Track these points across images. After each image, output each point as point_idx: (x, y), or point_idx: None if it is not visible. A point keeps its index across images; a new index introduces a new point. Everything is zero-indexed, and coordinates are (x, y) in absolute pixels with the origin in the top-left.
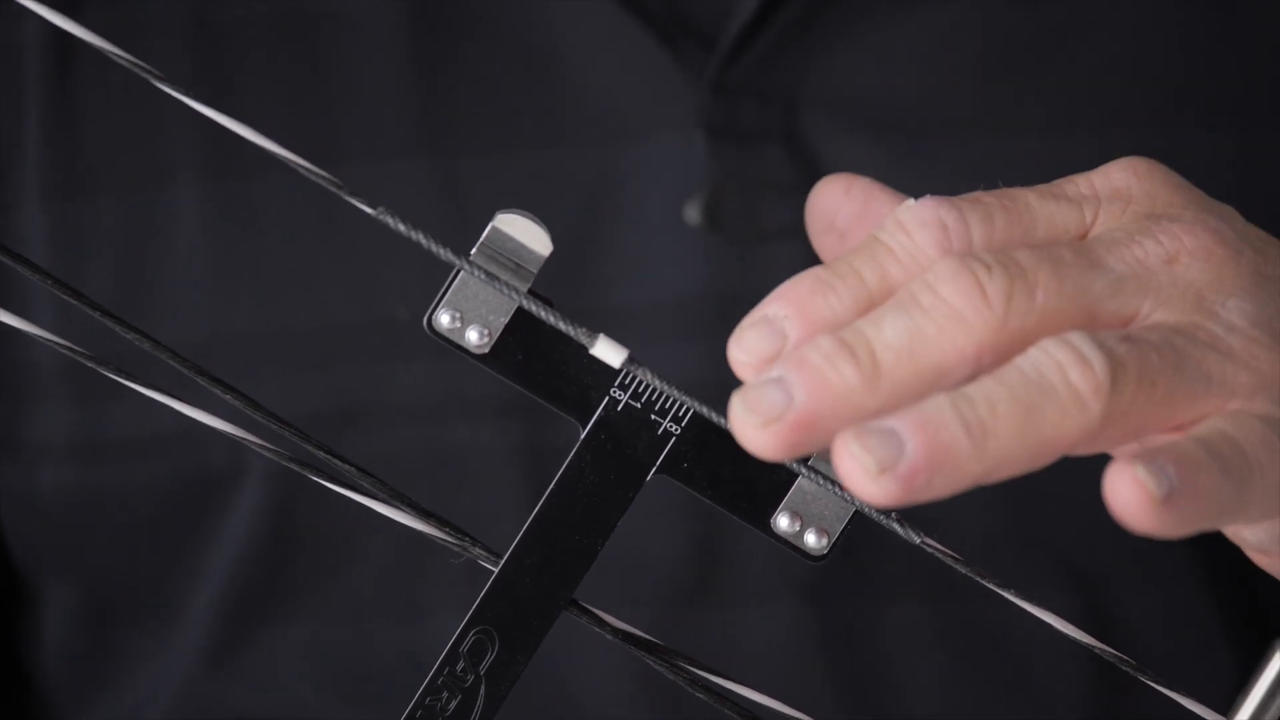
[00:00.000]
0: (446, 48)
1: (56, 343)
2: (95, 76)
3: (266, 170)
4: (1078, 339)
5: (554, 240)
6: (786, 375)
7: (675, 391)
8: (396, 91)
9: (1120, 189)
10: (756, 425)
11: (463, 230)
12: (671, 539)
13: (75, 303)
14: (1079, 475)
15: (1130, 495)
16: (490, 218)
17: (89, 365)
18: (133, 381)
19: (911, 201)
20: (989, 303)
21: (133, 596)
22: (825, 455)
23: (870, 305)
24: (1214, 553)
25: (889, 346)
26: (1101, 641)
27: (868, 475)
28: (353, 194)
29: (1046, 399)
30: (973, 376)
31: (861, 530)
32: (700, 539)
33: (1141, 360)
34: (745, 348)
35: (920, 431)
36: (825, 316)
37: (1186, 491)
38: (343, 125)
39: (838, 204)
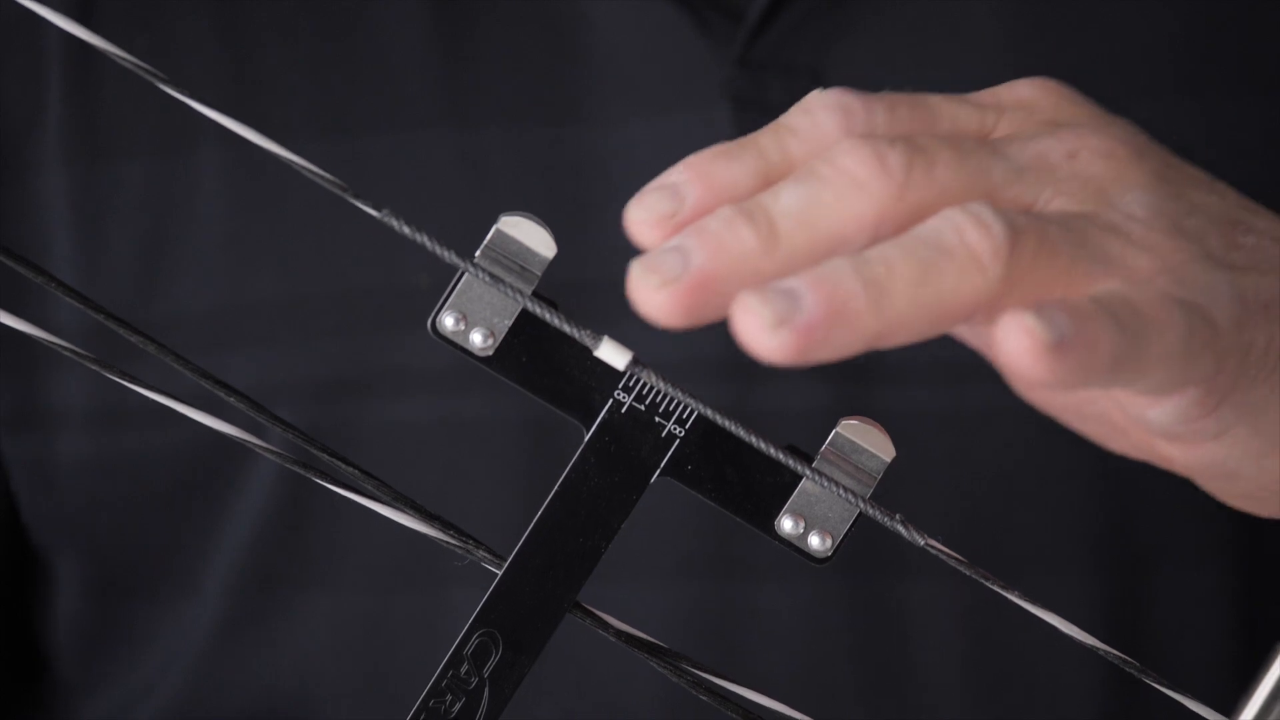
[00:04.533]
0: (471, 19)
1: (65, 347)
2: (117, 40)
3: (288, 139)
4: (978, 206)
5: (577, 214)
6: (685, 241)
7: (679, 393)
8: (420, 62)
9: (1024, 99)
10: (654, 285)
11: (482, 203)
12: (693, 515)
13: (81, 306)
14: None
15: (1018, 344)
16: (510, 190)
17: (95, 369)
18: (136, 384)
19: (818, 90)
20: (888, 172)
21: (149, 567)
22: (828, 457)
23: (770, 180)
24: (1251, 540)
25: (787, 214)
26: (1130, 622)
27: (765, 328)
28: (357, 196)
29: (944, 259)
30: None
31: (887, 506)
32: (719, 513)
33: (1041, 231)
34: (644, 205)
35: (817, 288)
36: (724, 182)
37: (1078, 341)
38: (365, 95)
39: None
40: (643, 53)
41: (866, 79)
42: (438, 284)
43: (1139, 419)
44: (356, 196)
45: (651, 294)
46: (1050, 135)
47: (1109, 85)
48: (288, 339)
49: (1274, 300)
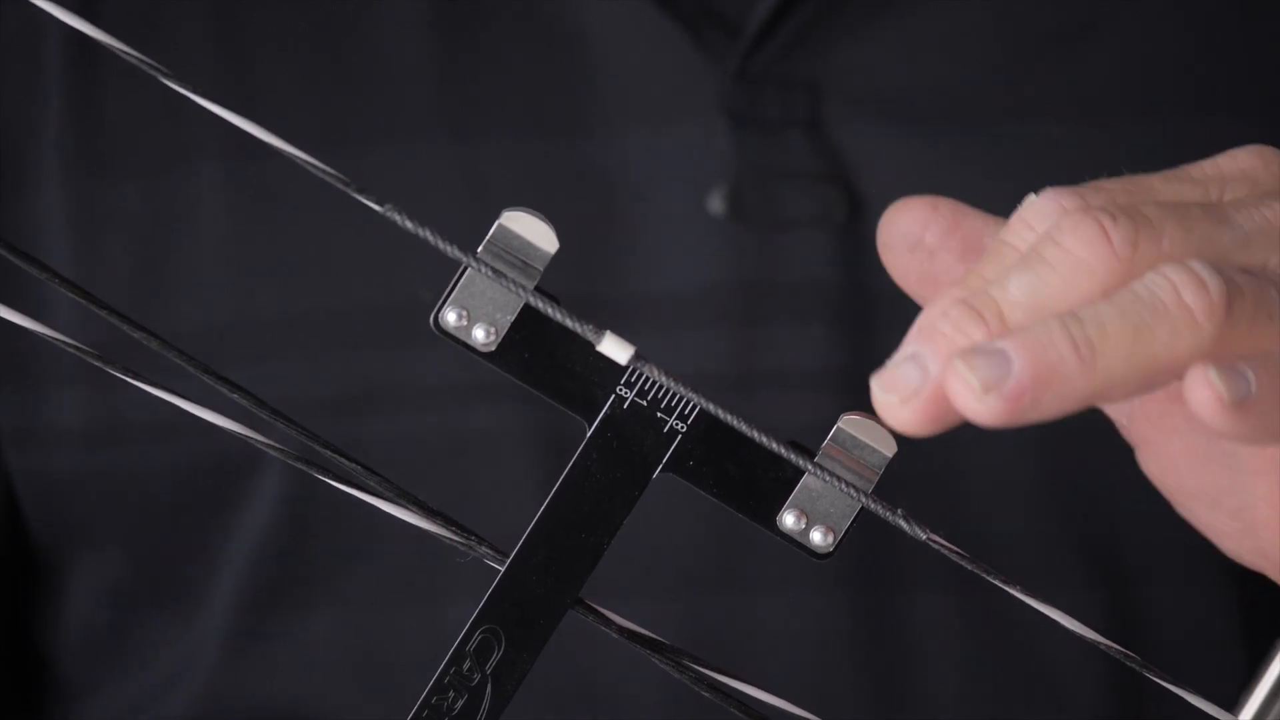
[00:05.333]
0: (470, 32)
1: (67, 343)
2: (115, 58)
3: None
4: (1195, 263)
5: (575, 228)
6: (920, 350)
7: (682, 389)
8: (418, 75)
9: (1246, 170)
10: (897, 404)
11: (480, 215)
12: (693, 527)
13: (84, 301)
14: (1112, 469)
15: (1202, 396)
16: (508, 202)
17: (98, 365)
18: (140, 380)
19: (1033, 196)
20: (1114, 250)
21: (152, 581)
22: (830, 452)
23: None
24: None
25: (1015, 304)
26: (1129, 638)
27: (973, 394)
28: (361, 190)
29: (1157, 318)
30: None
31: (882, 519)
32: (721, 527)
33: (1260, 290)
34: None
35: (1027, 350)
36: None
37: (1266, 398)
38: (363, 107)
39: (925, 220)
40: (640, 67)
41: (863, 93)
42: (438, 299)
43: None
44: (361, 191)
45: (896, 411)
46: (1277, 199)
47: (1107, 99)
48: (288, 355)
49: None
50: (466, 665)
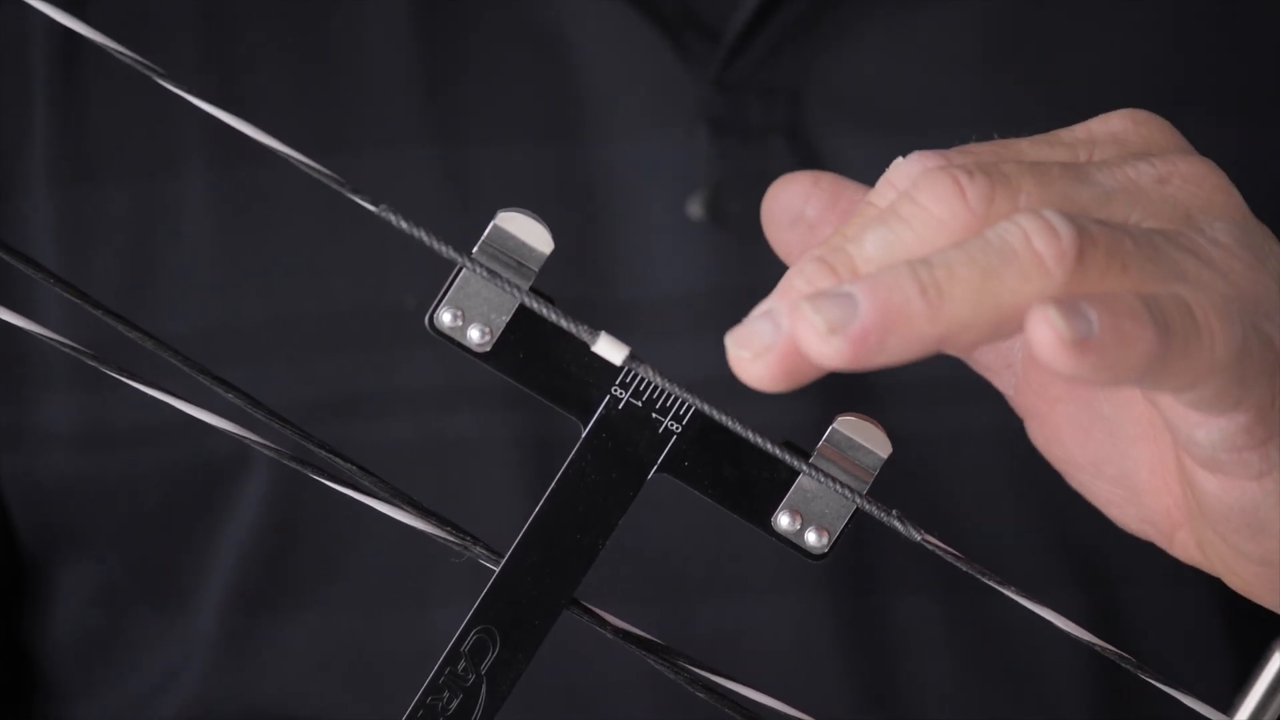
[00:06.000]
0: (453, 39)
1: (60, 341)
2: (102, 63)
3: (274, 158)
4: (1049, 211)
5: (559, 234)
6: (774, 305)
7: (676, 389)
8: (404, 83)
9: (1116, 133)
10: (750, 359)
11: (466, 220)
12: (680, 532)
13: (76, 300)
14: None
15: (1042, 336)
16: (494, 208)
17: (92, 364)
18: (134, 379)
19: (900, 159)
20: (968, 205)
21: (141, 585)
22: (825, 453)
23: None
24: None
25: (869, 259)
26: (1111, 640)
27: (819, 336)
28: (355, 190)
29: (1006, 263)
30: None
31: (874, 523)
32: (709, 532)
33: (1114, 241)
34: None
35: (873, 293)
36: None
37: (1108, 339)
38: (349, 113)
39: (805, 195)
40: (623, 74)
41: (843, 99)
42: (425, 305)
43: (1185, 440)
44: (355, 191)
45: (749, 366)
46: (1141, 160)
47: (1086, 103)
48: (275, 360)
49: None
50: (461, 665)
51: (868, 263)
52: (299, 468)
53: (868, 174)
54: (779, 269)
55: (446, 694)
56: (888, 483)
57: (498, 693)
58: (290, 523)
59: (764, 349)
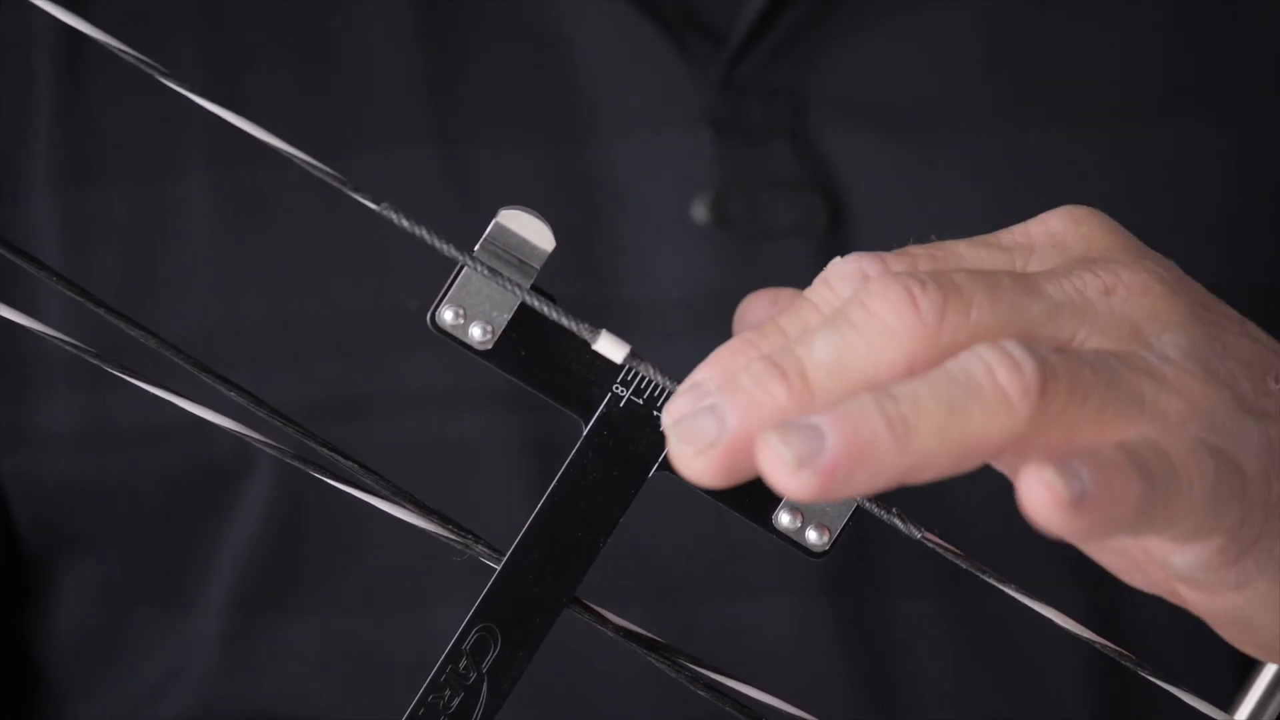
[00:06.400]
0: (455, 40)
1: (62, 339)
2: (105, 66)
3: (276, 159)
4: (1010, 344)
5: (560, 235)
6: (719, 401)
7: (677, 387)
8: (405, 84)
9: (1055, 234)
10: (692, 455)
11: (468, 221)
12: (680, 531)
13: (80, 299)
14: None
15: (1039, 497)
16: (495, 208)
17: (94, 362)
18: (137, 378)
19: (838, 259)
20: (920, 317)
21: (142, 585)
22: None
23: None
24: None
25: (819, 365)
26: (1111, 639)
27: (786, 469)
28: (357, 189)
29: (972, 398)
30: None
31: (874, 522)
32: (709, 532)
33: (1074, 372)
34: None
35: (841, 426)
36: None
37: (1100, 496)
38: (351, 114)
39: (764, 312)
40: (625, 75)
41: (846, 101)
42: (427, 306)
43: (1162, 563)
44: (356, 190)
45: (691, 462)
46: (1086, 270)
47: (1086, 105)
48: (277, 361)
49: None
50: (463, 663)
51: (817, 368)
52: (301, 465)
53: (871, 175)
54: (780, 270)
55: (448, 692)
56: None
57: (499, 691)
58: (292, 523)
59: (707, 446)
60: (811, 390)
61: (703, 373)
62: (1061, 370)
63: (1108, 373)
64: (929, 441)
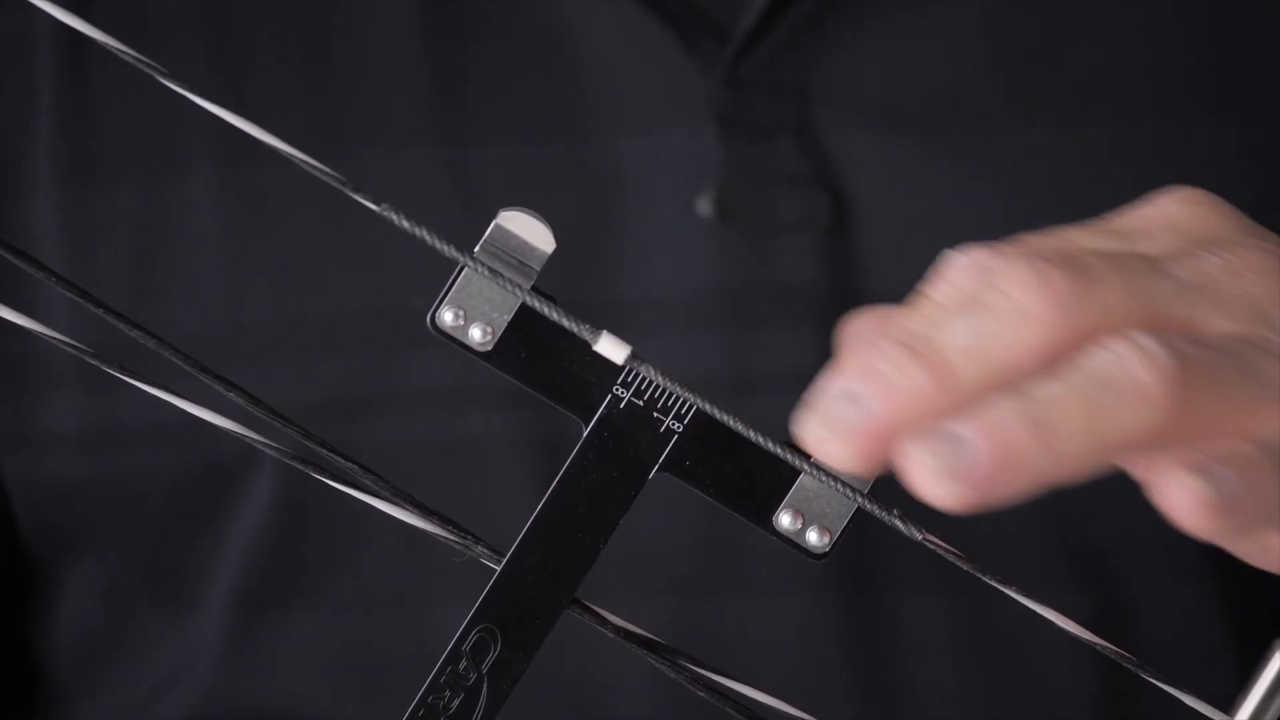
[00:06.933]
0: (459, 38)
1: (62, 341)
2: (106, 66)
3: (279, 159)
4: (1143, 336)
5: (564, 232)
6: (858, 389)
7: (678, 388)
8: (409, 82)
9: (1169, 217)
10: (835, 441)
11: (474, 222)
12: (682, 530)
13: (80, 300)
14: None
15: (1184, 504)
16: (499, 208)
17: (95, 364)
18: (137, 379)
19: (951, 252)
20: (1056, 298)
21: (147, 585)
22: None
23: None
24: (1231, 556)
25: (958, 348)
26: (1112, 640)
27: (936, 481)
28: (357, 190)
29: (1112, 395)
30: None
31: (876, 521)
32: (711, 530)
33: (1209, 360)
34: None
35: (986, 434)
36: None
37: (1246, 497)
38: (354, 114)
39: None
40: (630, 72)
41: (852, 98)
42: (430, 306)
43: (1272, 550)
44: (357, 190)
45: (834, 448)
46: (1208, 251)
47: (1093, 103)
48: (281, 361)
49: None
50: (463, 665)
51: (956, 351)
52: (301, 467)
53: (876, 172)
54: (785, 268)
55: (448, 693)
56: (889, 481)
57: (499, 692)
58: (294, 522)
59: (851, 433)
60: (953, 374)
61: (850, 381)
62: (1196, 360)
63: (1241, 359)
64: (1074, 443)
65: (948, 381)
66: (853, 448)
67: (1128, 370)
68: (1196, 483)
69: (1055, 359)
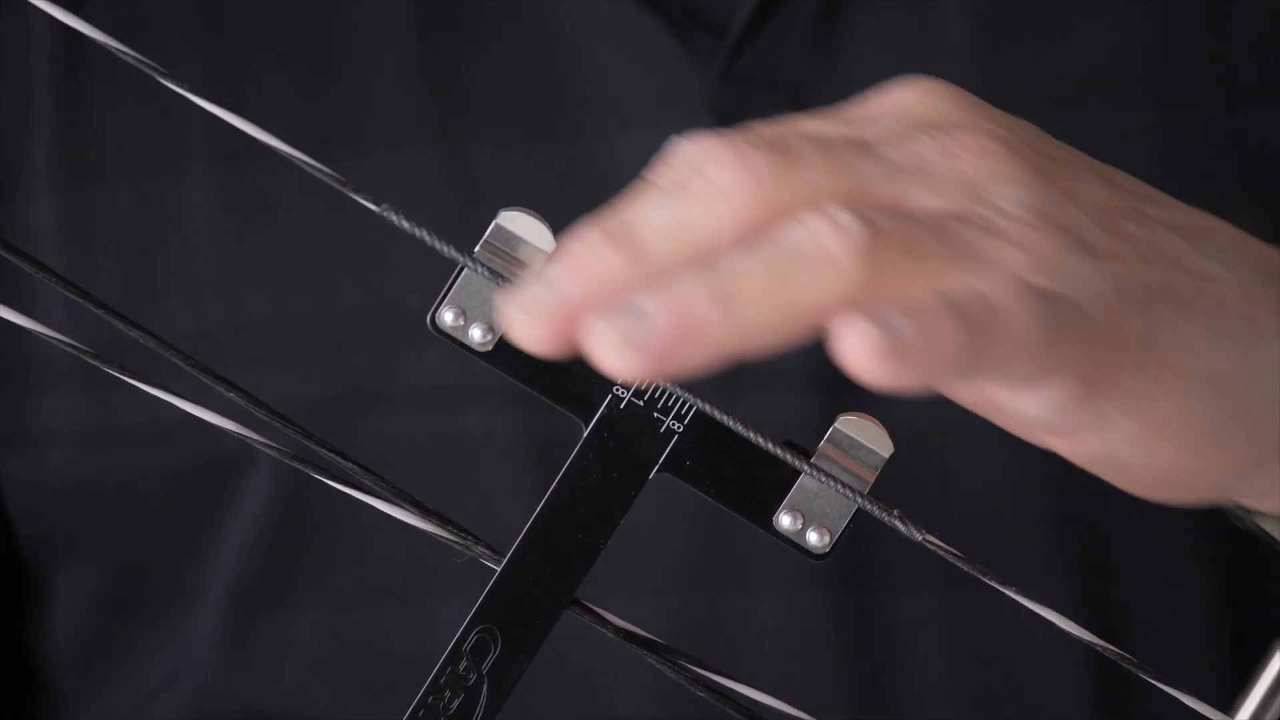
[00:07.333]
0: (456, 38)
1: (61, 340)
2: (104, 65)
3: (277, 159)
4: (834, 208)
5: (563, 230)
6: (552, 272)
7: (678, 388)
8: (406, 83)
9: (901, 106)
10: (526, 321)
11: (472, 222)
12: (680, 528)
13: (79, 299)
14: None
15: (855, 349)
16: (497, 208)
17: (94, 363)
18: (136, 379)
19: (676, 137)
20: (755, 177)
21: (143, 586)
22: (826, 452)
23: None
24: (1227, 550)
25: (652, 228)
26: (1111, 639)
27: (614, 350)
28: (357, 190)
29: (796, 264)
30: None
31: (874, 519)
32: (709, 527)
33: (904, 232)
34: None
35: (664, 303)
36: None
37: (918, 343)
38: (352, 117)
39: None
40: (626, 69)
41: (846, 92)
42: (427, 304)
43: (1016, 413)
44: (357, 191)
45: (525, 328)
46: (924, 134)
47: (1078, 92)
48: (278, 360)
49: (1155, 288)
50: (463, 665)
51: (651, 233)
52: (300, 467)
53: None
54: None
55: (448, 693)
56: (890, 480)
57: (499, 692)
58: (292, 522)
59: (539, 310)
60: (646, 254)
61: (548, 269)
62: (889, 229)
63: (941, 230)
64: (756, 311)
65: (640, 259)
66: (542, 328)
67: (816, 239)
68: (866, 327)
69: (751, 238)
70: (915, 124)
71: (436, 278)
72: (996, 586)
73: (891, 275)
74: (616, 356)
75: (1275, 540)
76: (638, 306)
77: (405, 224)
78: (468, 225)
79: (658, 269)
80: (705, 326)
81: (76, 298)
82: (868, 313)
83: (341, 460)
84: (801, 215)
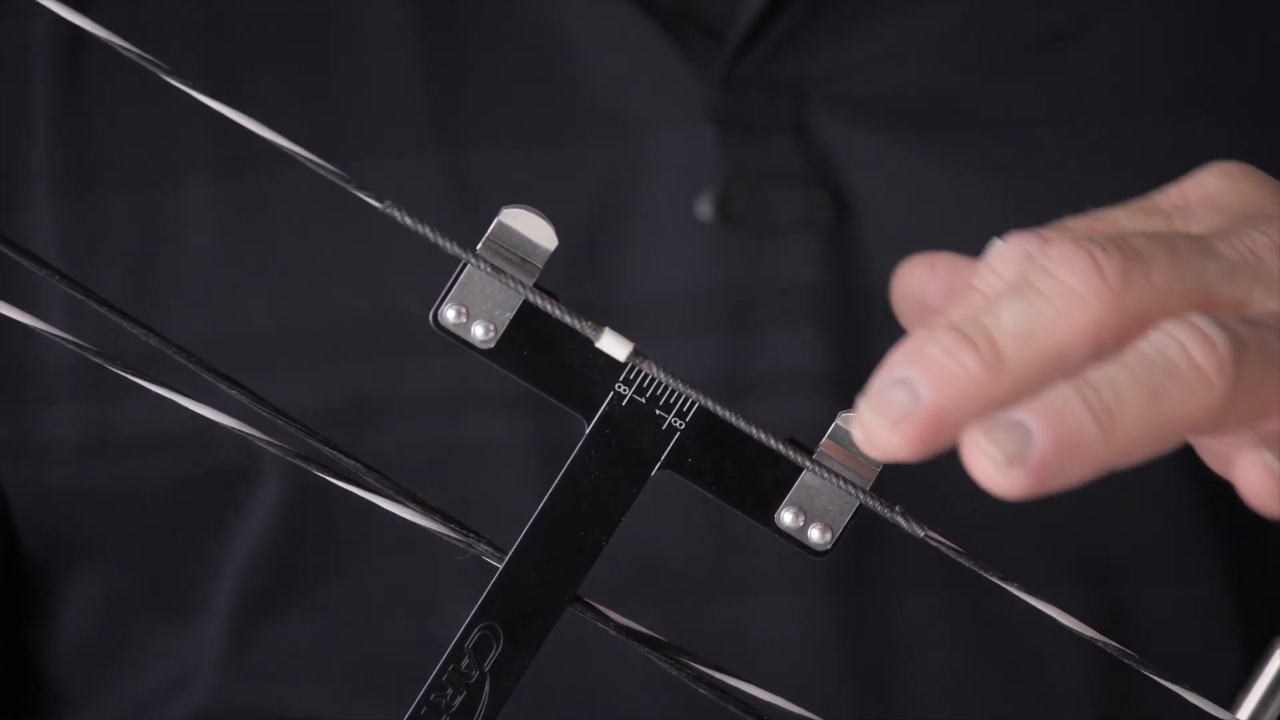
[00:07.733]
0: (456, 43)
1: (63, 338)
2: (105, 73)
3: (278, 165)
4: (1198, 318)
5: (565, 235)
6: (909, 374)
7: (680, 385)
8: (406, 87)
9: (1211, 194)
10: (886, 427)
11: (472, 225)
12: (683, 529)
13: (83, 298)
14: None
15: (1262, 482)
16: (497, 210)
17: (97, 361)
18: (141, 378)
19: (999, 241)
20: (1106, 281)
21: (148, 592)
22: (828, 450)
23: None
24: (1232, 549)
25: (1008, 333)
26: (1115, 637)
27: (998, 469)
28: (360, 188)
29: (1170, 379)
30: (1093, 358)
31: (878, 518)
32: (713, 528)
33: (1263, 340)
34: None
35: (1047, 421)
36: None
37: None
38: (352, 121)
39: (924, 282)
40: (627, 74)
41: (849, 96)
42: (429, 310)
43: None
44: (360, 188)
45: (886, 435)
46: (1253, 228)
47: (1090, 102)
48: (279, 368)
49: None
50: (465, 662)
51: (1006, 335)
52: (303, 464)
53: (875, 170)
54: (785, 266)
55: (450, 691)
56: (891, 475)
57: (501, 690)
58: (296, 528)
59: (901, 418)
60: (1002, 359)
61: (903, 368)
62: (1251, 341)
63: None
64: (1133, 426)
65: (997, 365)
66: (903, 434)
67: (1184, 353)
68: (1271, 459)
69: (1105, 343)
70: (1233, 216)
71: (437, 283)
72: (998, 582)
73: (1255, 386)
74: (1001, 476)
75: None
76: (1018, 421)
77: (408, 220)
78: (467, 228)
79: (1016, 375)
80: (1087, 444)
81: (80, 295)
82: (1264, 442)
83: (344, 458)
84: (1166, 325)
